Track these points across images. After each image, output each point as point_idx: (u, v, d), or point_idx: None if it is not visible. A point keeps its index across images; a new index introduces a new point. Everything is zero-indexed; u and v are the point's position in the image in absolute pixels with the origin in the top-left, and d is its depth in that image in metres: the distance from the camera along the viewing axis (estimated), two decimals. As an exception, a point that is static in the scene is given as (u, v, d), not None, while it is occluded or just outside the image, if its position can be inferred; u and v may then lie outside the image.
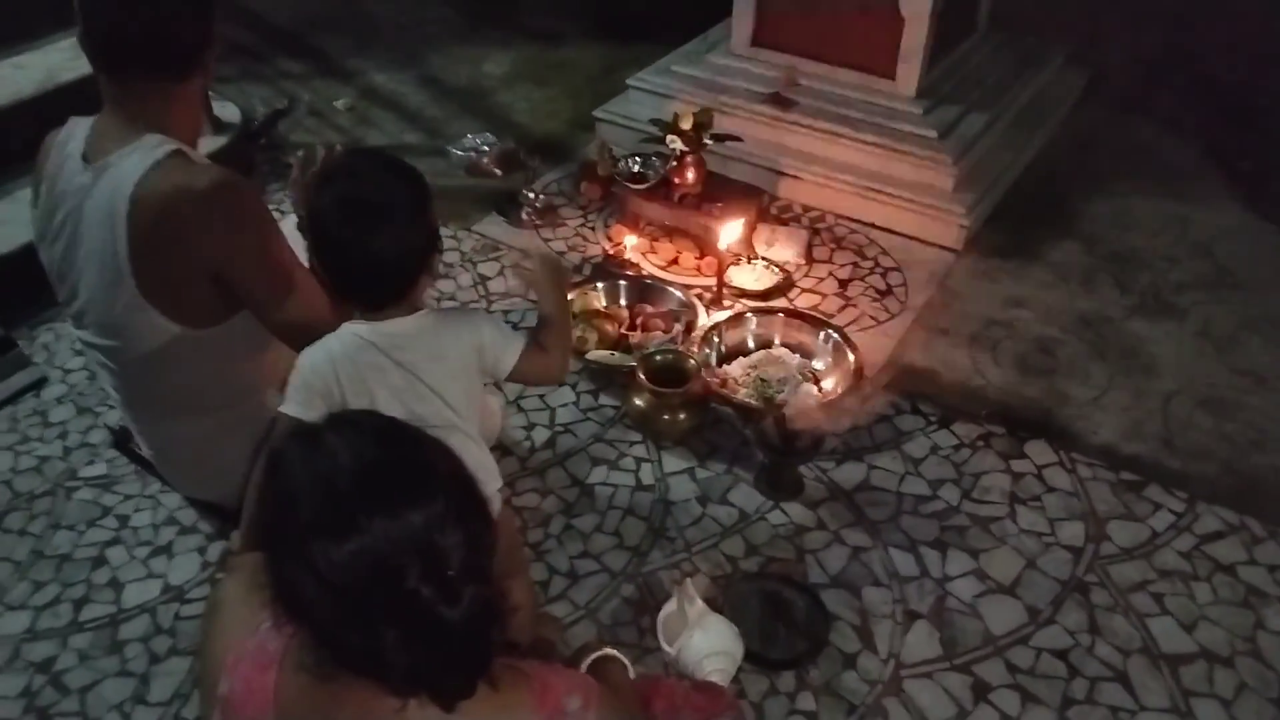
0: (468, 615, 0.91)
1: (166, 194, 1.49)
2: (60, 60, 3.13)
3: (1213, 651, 1.81)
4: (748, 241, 2.77)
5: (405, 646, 0.90)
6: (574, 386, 2.39)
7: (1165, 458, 2.20)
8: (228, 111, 3.36)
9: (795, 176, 3.02)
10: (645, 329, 2.46)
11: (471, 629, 0.92)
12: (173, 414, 1.75)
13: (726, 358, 2.40)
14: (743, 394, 2.26)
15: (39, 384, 2.42)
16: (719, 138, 2.74)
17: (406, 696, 0.94)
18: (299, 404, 1.50)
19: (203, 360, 1.65)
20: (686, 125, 2.65)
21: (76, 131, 1.60)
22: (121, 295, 1.55)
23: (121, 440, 2.11)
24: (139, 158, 1.50)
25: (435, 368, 1.51)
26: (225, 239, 1.52)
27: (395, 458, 0.96)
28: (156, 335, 1.59)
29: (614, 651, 1.39)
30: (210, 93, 3.24)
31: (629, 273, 2.69)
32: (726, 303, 2.58)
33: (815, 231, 2.91)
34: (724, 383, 2.30)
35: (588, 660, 1.38)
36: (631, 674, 1.42)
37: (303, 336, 1.63)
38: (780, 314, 2.48)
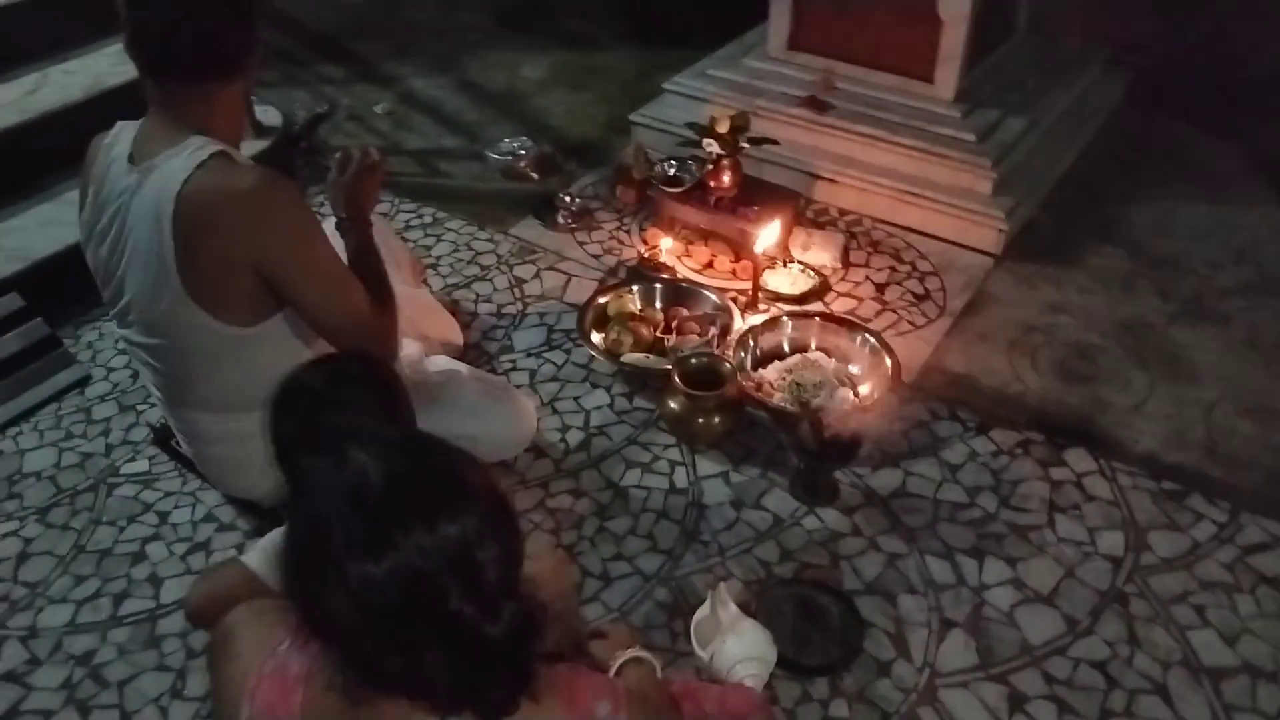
0: (509, 630, 0.90)
1: (211, 193, 1.51)
2: (107, 66, 3.19)
3: (1256, 665, 1.77)
4: (784, 245, 2.76)
5: (448, 665, 0.88)
6: (608, 389, 2.39)
7: (1208, 467, 2.16)
8: (269, 116, 3.41)
9: (832, 180, 3.01)
10: (680, 332, 2.45)
11: (514, 644, 0.91)
12: (214, 412, 1.77)
13: (762, 361, 2.39)
14: (778, 398, 2.25)
15: (83, 382, 2.46)
16: (755, 141, 2.73)
17: (447, 714, 0.92)
18: (266, 563, 1.38)
19: (245, 359, 1.68)
20: (723, 129, 2.65)
21: (123, 134, 1.63)
22: (166, 293, 1.58)
23: (162, 438, 2.14)
24: (185, 159, 1.53)
25: None
26: (268, 236, 1.55)
27: (427, 470, 0.93)
28: (200, 333, 1.62)
29: (643, 653, 1.38)
30: (252, 97, 3.29)
31: (664, 276, 2.69)
32: (762, 306, 2.57)
33: (852, 235, 2.90)
34: (759, 387, 2.29)
35: (617, 661, 1.37)
36: (659, 675, 1.41)
37: (344, 334, 1.66)
38: (816, 318, 2.46)
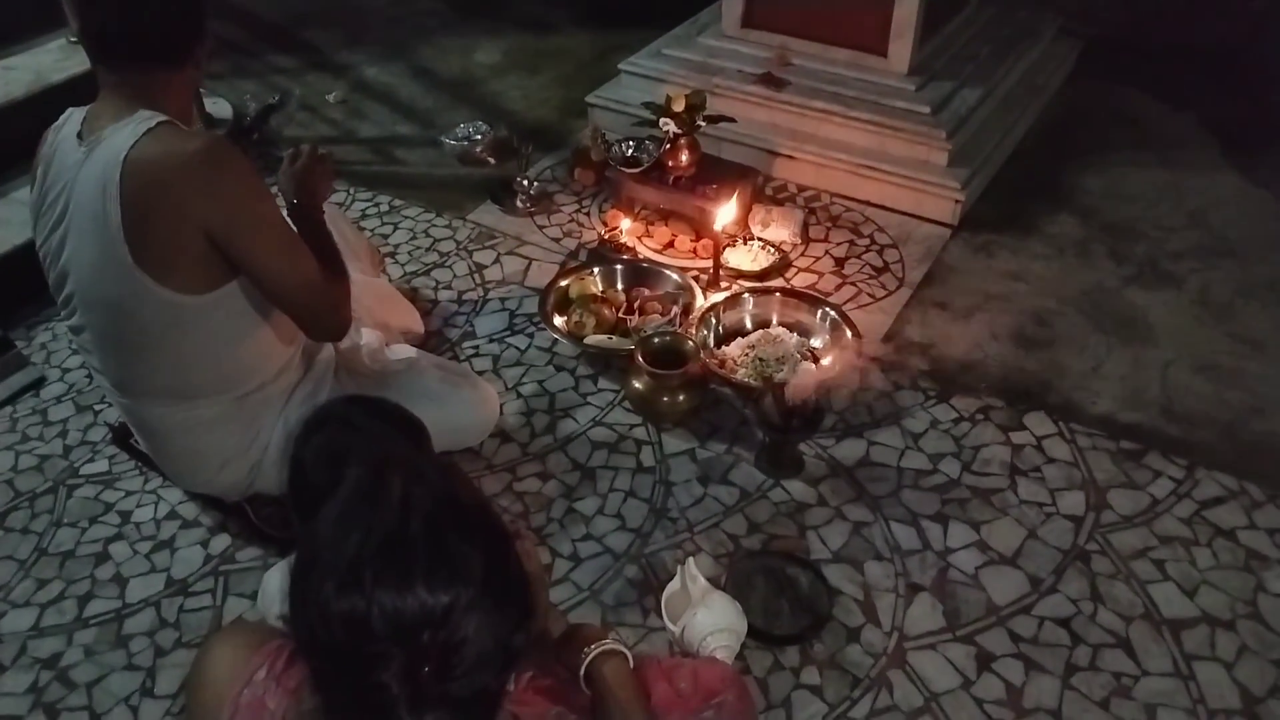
0: None
1: (157, 157, 1.52)
2: (50, 61, 3.13)
3: (1214, 615, 1.81)
4: (743, 222, 2.77)
5: None
6: (573, 372, 2.39)
7: (1164, 425, 2.20)
8: (220, 108, 3.36)
9: (789, 156, 3.02)
10: (643, 312, 2.46)
11: None
12: (167, 401, 1.75)
13: (724, 338, 2.40)
14: (741, 374, 2.26)
15: (38, 383, 2.42)
16: (712, 119, 2.73)
17: None
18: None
19: (196, 331, 1.65)
20: (679, 108, 2.65)
21: (73, 117, 1.65)
22: (113, 264, 1.56)
23: (121, 436, 2.11)
24: (132, 129, 1.54)
25: None
26: (217, 197, 1.55)
27: (437, 529, 0.89)
28: (149, 305, 1.59)
29: (615, 645, 1.34)
30: (201, 90, 3.25)
31: (625, 257, 2.69)
32: (723, 284, 2.58)
33: (810, 211, 2.91)
34: (722, 363, 2.30)
35: (589, 655, 1.34)
36: (631, 663, 1.38)
37: (296, 298, 1.66)
38: (777, 294, 2.48)
